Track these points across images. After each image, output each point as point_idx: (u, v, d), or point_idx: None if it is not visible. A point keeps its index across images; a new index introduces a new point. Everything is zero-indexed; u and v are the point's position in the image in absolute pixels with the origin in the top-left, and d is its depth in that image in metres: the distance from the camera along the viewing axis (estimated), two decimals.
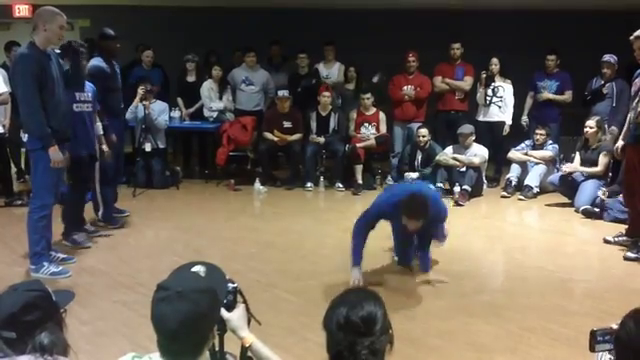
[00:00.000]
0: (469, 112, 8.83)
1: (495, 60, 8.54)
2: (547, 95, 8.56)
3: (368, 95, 8.55)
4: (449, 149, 8.16)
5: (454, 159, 7.99)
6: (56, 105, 4.84)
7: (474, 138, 8.13)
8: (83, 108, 5.61)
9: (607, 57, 8.00)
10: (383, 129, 8.64)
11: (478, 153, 8.04)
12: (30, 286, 2.14)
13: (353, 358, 1.88)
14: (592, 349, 2.06)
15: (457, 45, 8.76)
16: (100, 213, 6.36)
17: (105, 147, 6.14)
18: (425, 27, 10.04)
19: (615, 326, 2.00)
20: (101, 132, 6.11)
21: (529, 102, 8.77)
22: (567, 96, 8.59)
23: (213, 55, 9.52)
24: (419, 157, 8.27)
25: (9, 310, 2.02)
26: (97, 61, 6.19)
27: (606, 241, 5.94)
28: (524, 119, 8.76)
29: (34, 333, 2.02)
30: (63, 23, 4.86)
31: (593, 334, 2.05)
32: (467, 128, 8.12)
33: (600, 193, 7.06)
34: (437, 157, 8.03)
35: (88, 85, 5.69)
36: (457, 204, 7.53)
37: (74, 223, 5.81)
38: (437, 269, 5.21)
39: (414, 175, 8.12)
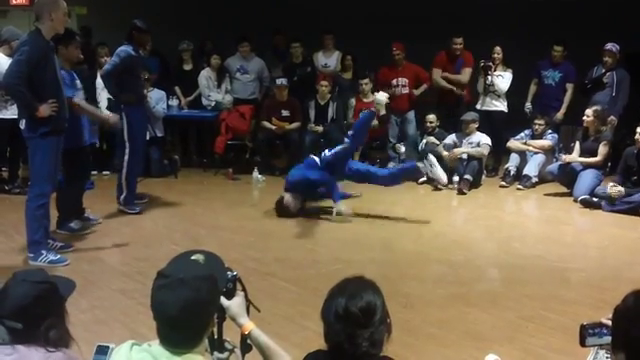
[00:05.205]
0: (471, 101, 8.75)
1: (498, 49, 8.42)
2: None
3: (366, 81, 8.50)
4: (452, 137, 8.10)
5: (449, 153, 7.93)
6: (61, 96, 4.84)
7: (477, 126, 8.04)
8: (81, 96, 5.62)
9: (609, 45, 7.91)
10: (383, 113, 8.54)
11: (482, 142, 7.92)
12: (37, 277, 2.14)
13: (353, 350, 1.87)
14: (582, 344, 2.06)
15: (459, 40, 8.58)
16: (122, 197, 6.38)
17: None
18: (425, 14, 9.96)
19: (605, 320, 2.00)
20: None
21: (533, 89, 8.65)
22: (569, 90, 8.41)
23: (209, 43, 9.45)
24: (423, 143, 8.24)
25: (20, 302, 2.03)
26: (128, 48, 6.28)
27: None
28: (528, 106, 8.63)
29: (40, 324, 2.03)
30: (66, 9, 4.85)
31: (583, 328, 2.05)
32: (469, 115, 8.06)
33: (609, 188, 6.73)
34: (437, 146, 8.00)
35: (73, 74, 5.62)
36: (461, 192, 7.51)
37: (71, 212, 5.79)
38: (434, 257, 5.24)
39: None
